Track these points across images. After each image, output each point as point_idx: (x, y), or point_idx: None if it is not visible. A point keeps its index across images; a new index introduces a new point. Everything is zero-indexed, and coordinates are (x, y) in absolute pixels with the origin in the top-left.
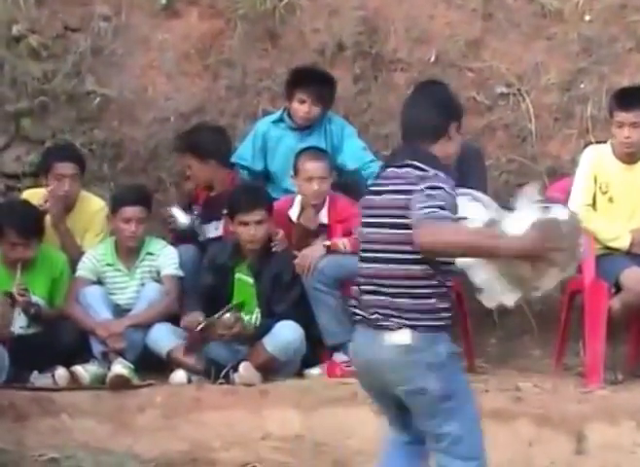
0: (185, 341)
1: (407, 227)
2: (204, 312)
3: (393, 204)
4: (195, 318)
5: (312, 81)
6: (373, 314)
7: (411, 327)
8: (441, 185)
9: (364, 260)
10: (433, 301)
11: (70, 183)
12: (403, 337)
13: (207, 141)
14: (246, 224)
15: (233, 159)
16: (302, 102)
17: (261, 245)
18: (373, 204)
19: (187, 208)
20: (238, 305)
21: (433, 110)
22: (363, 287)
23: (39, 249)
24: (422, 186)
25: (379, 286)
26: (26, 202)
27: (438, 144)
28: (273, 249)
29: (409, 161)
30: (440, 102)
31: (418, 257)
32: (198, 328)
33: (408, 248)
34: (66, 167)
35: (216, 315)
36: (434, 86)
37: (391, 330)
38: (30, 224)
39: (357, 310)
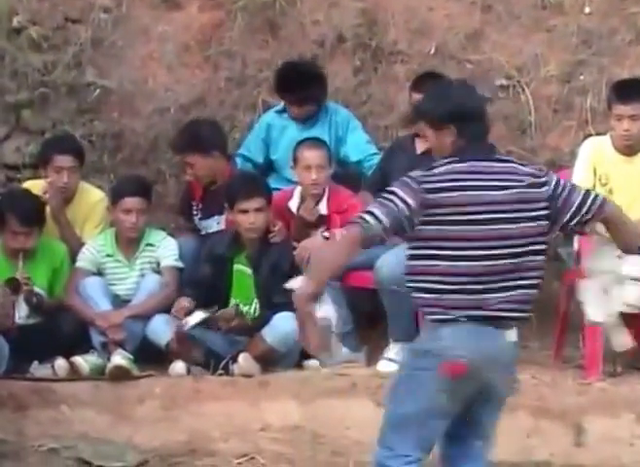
0: (175, 330)
1: (544, 218)
2: (203, 304)
3: (532, 198)
4: (183, 304)
5: (297, 82)
6: (496, 311)
7: (519, 320)
8: None
9: (492, 257)
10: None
11: (69, 175)
12: (514, 333)
13: (207, 134)
14: (245, 212)
15: (240, 150)
16: (291, 104)
17: (260, 235)
18: (497, 200)
19: (187, 209)
20: (237, 305)
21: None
22: (488, 285)
23: (39, 240)
24: (552, 175)
25: (513, 280)
26: (28, 192)
27: None
28: (272, 240)
29: (503, 156)
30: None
31: (546, 247)
32: (189, 325)
33: (542, 239)
34: (65, 160)
35: (218, 313)
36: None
37: (510, 327)
38: (32, 213)
39: (462, 309)
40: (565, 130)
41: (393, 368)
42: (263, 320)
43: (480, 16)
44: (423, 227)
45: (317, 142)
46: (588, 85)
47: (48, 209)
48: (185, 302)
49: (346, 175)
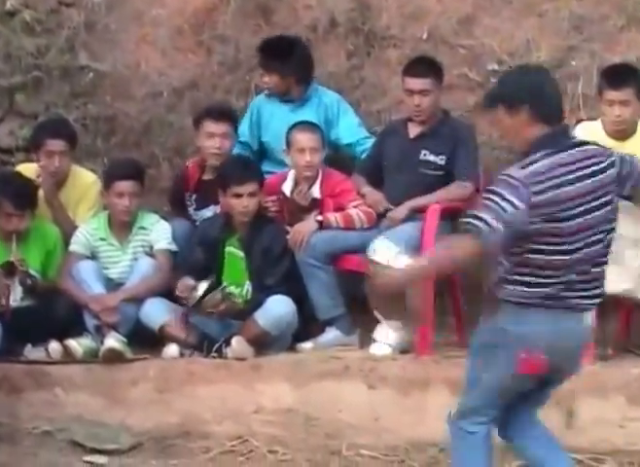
0: (177, 316)
1: (615, 197)
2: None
3: (609, 182)
4: (187, 283)
5: (268, 50)
6: (581, 299)
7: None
8: None
9: (591, 244)
10: None
11: (60, 159)
12: (590, 316)
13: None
14: (239, 196)
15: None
16: (264, 75)
17: (251, 218)
18: (589, 190)
19: (180, 200)
20: (224, 288)
21: None
22: (586, 275)
23: (32, 223)
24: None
25: (600, 265)
26: (21, 174)
27: None
28: (270, 209)
29: (576, 139)
30: None
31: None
32: (197, 294)
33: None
34: (56, 144)
35: (210, 293)
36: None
37: (589, 311)
38: (25, 195)
39: (567, 298)
40: None
41: (386, 351)
42: (255, 303)
43: (472, 0)
44: (529, 226)
45: (310, 125)
46: (580, 70)
47: (41, 193)
48: (188, 280)
49: (339, 159)
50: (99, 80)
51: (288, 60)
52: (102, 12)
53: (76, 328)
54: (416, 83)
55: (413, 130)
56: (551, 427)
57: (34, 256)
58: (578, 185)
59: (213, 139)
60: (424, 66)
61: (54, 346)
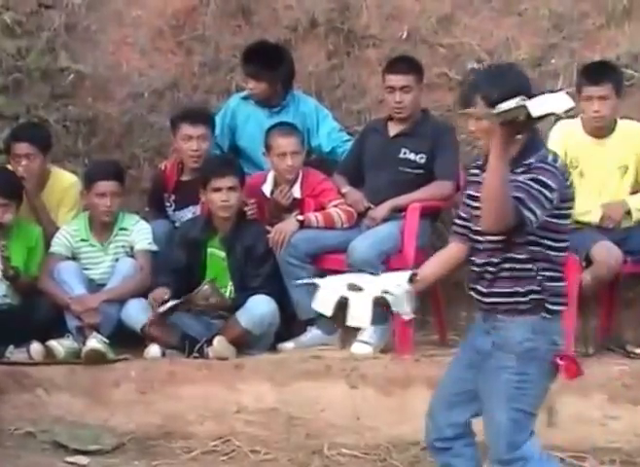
0: (151, 315)
1: None
2: (177, 288)
3: None
4: (161, 294)
5: (255, 57)
6: None
7: None
8: None
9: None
10: None
11: (26, 163)
12: None
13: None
14: (219, 190)
15: None
16: (247, 78)
17: (233, 216)
18: None
19: (158, 201)
20: (211, 281)
21: None
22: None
23: (15, 220)
24: None
25: None
26: (7, 168)
27: None
28: (248, 213)
29: None
30: None
31: None
32: (161, 310)
33: None
34: (22, 147)
35: (193, 292)
36: None
37: None
38: (10, 185)
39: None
40: None
41: (367, 350)
42: (237, 303)
43: (451, 0)
44: (554, 219)
45: (289, 128)
46: (560, 68)
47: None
48: (161, 292)
49: (319, 160)
50: (80, 81)
51: (278, 69)
52: (82, 13)
53: (58, 329)
54: (398, 80)
55: (393, 129)
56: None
57: (17, 253)
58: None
59: (190, 142)
60: (405, 64)
61: (36, 347)
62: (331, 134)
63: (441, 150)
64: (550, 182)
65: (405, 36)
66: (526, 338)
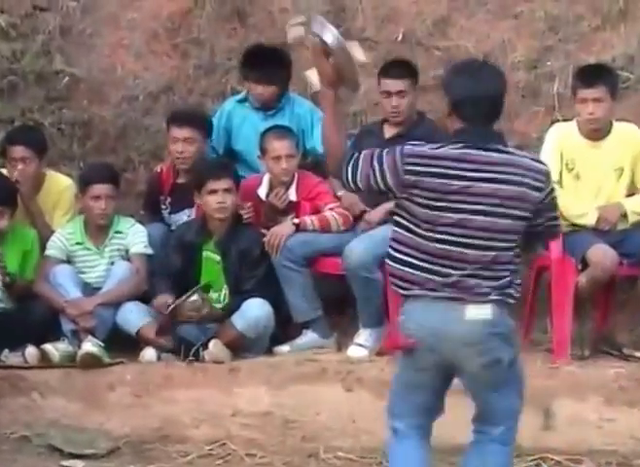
0: (156, 322)
1: (526, 219)
2: (173, 292)
3: (525, 198)
4: (165, 300)
5: (263, 61)
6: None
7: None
8: None
9: (466, 245)
10: None
11: (22, 167)
12: (479, 310)
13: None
14: (214, 192)
15: None
16: (256, 83)
17: (228, 219)
18: (485, 193)
19: (154, 204)
20: (205, 286)
21: (503, 90)
22: (463, 271)
23: (10, 225)
24: (550, 183)
25: (478, 270)
26: (1, 173)
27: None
28: (244, 216)
29: (502, 147)
30: (504, 82)
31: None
32: (167, 311)
33: (516, 237)
34: (17, 151)
35: (183, 297)
36: (492, 65)
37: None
38: (4, 191)
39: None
40: (533, 116)
41: (363, 353)
42: (232, 307)
43: (447, 2)
44: (403, 201)
45: (284, 131)
46: (555, 71)
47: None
48: (167, 298)
49: (314, 163)
50: (75, 84)
51: (284, 71)
52: (77, 16)
53: (53, 332)
54: (393, 84)
55: (389, 131)
56: (529, 428)
57: (12, 257)
58: (471, 183)
59: (176, 144)
60: (400, 68)
61: (32, 351)
62: None
63: None
64: (385, 158)
65: (400, 38)
66: None
